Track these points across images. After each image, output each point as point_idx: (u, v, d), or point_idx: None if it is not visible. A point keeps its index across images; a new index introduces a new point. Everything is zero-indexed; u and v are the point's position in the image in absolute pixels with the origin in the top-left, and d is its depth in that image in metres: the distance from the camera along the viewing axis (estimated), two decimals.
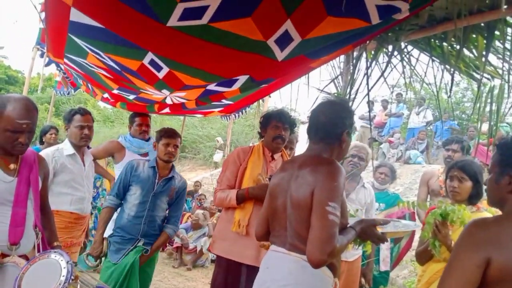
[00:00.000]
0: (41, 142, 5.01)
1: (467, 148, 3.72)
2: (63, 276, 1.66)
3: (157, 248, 2.99)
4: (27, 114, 1.89)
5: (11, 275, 1.80)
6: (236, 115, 5.06)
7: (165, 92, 3.04)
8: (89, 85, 3.82)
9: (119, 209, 3.03)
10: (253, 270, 2.58)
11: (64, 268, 1.68)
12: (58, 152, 2.96)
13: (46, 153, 2.87)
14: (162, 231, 3.00)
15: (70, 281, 1.66)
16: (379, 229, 1.91)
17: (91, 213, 4.54)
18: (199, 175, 13.43)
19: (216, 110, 4.16)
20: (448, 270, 1.33)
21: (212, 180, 10.88)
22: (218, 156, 14.06)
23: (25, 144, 1.92)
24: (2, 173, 1.92)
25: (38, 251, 1.95)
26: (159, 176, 2.96)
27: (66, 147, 3.02)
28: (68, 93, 6.05)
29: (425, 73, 2.57)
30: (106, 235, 3.00)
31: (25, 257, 1.95)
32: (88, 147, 3.66)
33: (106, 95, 3.88)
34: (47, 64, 4.92)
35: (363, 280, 3.33)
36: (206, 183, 11.44)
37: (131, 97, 3.54)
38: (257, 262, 2.63)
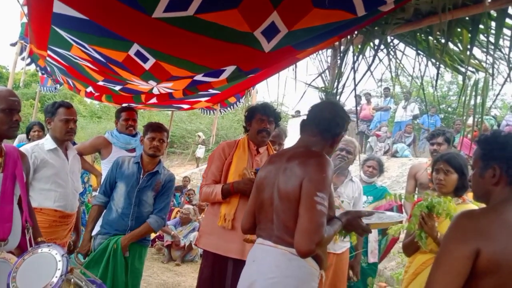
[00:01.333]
0: (28, 139, 4.94)
1: (451, 139, 3.78)
2: (59, 269, 1.64)
3: (136, 236, 2.83)
4: (14, 93, 2.03)
5: (2, 271, 1.78)
6: (223, 110, 5.04)
7: (152, 83, 3.01)
8: (70, 81, 3.75)
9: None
10: (239, 264, 2.59)
11: (60, 261, 1.67)
12: (37, 148, 2.83)
13: (25, 149, 2.74)
14: (146, 221, 2.89)
15: (66, 273, 1.64)
16: (364, 221, 1.93)
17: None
18: (188, 170, 13.40)
19: (203, 99, 4.14)
20: (437, 262, 1.34)
21: (201, 175, 10.86)
22: (200, 151, 14.06)
23: (19, 123, 2.00)
24: None
25: (30, 245, 1.94)
26: (144, 171, 2.93)
27: (46, 142, 2.88)
28: (55, 88, 5.92)
29: (413, 68, 2.59)
30: (94, 232, 2.96)
31: (12, 253, 1.93)
32: (74, 143, 3.60)
33: (89, 89, 3.82)
34: (23, 58, 4.84)
35: (351, 272, 3.36)
36: (195, 178, 11.42)
37: (117, 87, 3.49)
38: (242, 255, 2.65)
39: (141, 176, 2.91)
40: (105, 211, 2.96)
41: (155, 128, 2.94)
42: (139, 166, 2.93)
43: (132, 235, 2.83)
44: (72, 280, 1.68)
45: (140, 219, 2.88)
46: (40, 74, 4.80)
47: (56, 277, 1.61)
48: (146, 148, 2.92)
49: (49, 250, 1.71)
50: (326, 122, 1.90)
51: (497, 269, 1.26)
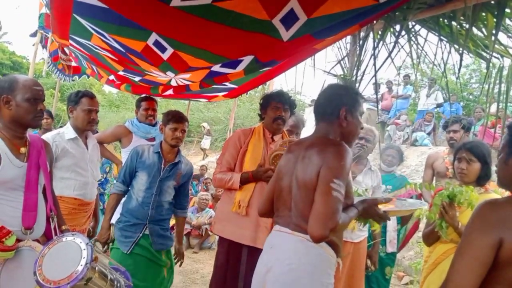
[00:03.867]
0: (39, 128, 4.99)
1: (467, 126, 3.72)
2: (84, 257, 1.67)
3: (182, 236, 3.16)
4: (38, 83, 2.04)
5: (28, 259, 1.82)
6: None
7: (170, 74, 3.01)
8: (94, 67, 3.80)
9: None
10: (253, 251, 2.63)
11: (84, 249, 1.69)
12: (58, 137, 2.85)
13: (46, 137, 2.75)
14: (178, 217, 3.11)
15: (91, 262, 1.67)
16: (383, 208, 1.91)
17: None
18: (205, 159, 13.48)
19: (220, 94, 4.14)
20: (459, 252, 1.31)
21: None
22: (206, 142, 13.85)
23: (43, 113, 2.03)
24: (14, 158, 1.94)
25: (55, 234, 1.98)
26: (165, 161, 2.93)
27: (67, 131, 2.91)
28: (64, 79, 5.92)
29: (435, 54, 2.52)
30: (113, 220, 2.99)
31: (38, 241, 1.97)
32: (97, 131, 3.64)
33: (111, 77, 3.86)
34: (44, 47, 4.90)
35: (368, 262, 3.34)
36: (212, 167, 11.47)
37: (137, 78, 3.52)
38: (254, 243, 2.69)
39: (162, 166, 2.91)
40: (124, 199, 2.99)
41: (178, 119, 2.91)
42: (159, 156, 2.93)
43: (181, 237, 3.19)
44: (96, 268, 1.71)
45: (160, 208, 2.91)
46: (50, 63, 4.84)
47: (81, 265, 1.64)
48: (168, 139, 2.91)
49: (74, 238, 1.74)
50: (322, 107, 1.90)
51: None
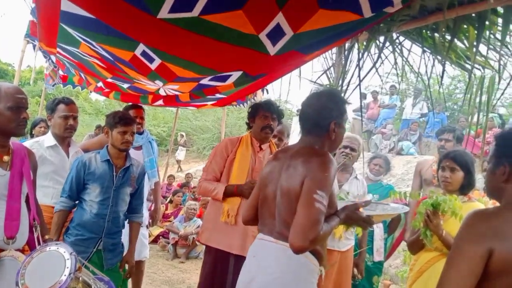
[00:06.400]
0: (32, 135, 4.94)
1: (459, 137, 3.78)
2: (68, 267, 1.64)
3: (135, 245, 2.85)
4: (21, 90, 2.01)
5: (10, 269, 1.79)
6: (233, 105, 5.03)
7: (158, 83, 3.01)
8: (82, 74, 3.78)
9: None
10: (241, 260, 2.59)
11: (68, 259, 1.67)
12: (37, 144, 2.79)
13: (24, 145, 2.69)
14: (132, 222, 2.86)
15: (75, 271, 1.65)
16: (367, 212, 1.91)
17: None
18: (192, 168, 13.40)
19: (209, 103, 4.16)
20: (449, 262, 1.31)
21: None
22: (181, 154, 13.21)
23: (27, 121, 1.99)
24: None
25: (38, 243, 1.94)
26: (116, 167, 2.72)
27: (47, 139, 2.86)
28: (54, 85, 5.82)
29: (419, 66, 2.57)
30: None
31: (20, 251, 1.94)
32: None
33: (100, 84, 3.84)
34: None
35: (355, 270, 3.35)
36: (199, 175, 11.39)
37: (125, 86, 3.51)
38: (243, 251, 2.66)
39: (114, 173, 2.71)
40: (75, 211, 2.76)
41: (127, 121, 2.71)
42: (109, 163, 2.71)
43: (133, 245, 2.81)
44: (80, 278, 1.69)
45: (117, 219, 2.74)
46: (46, 71, 4.79)
47: (65, 275, 1.61)
48: (117, 143, 2.69)
49: (57, 248, 1.71)
50: (310, 119, 1.88)
51: (511, 269, 1.23)
